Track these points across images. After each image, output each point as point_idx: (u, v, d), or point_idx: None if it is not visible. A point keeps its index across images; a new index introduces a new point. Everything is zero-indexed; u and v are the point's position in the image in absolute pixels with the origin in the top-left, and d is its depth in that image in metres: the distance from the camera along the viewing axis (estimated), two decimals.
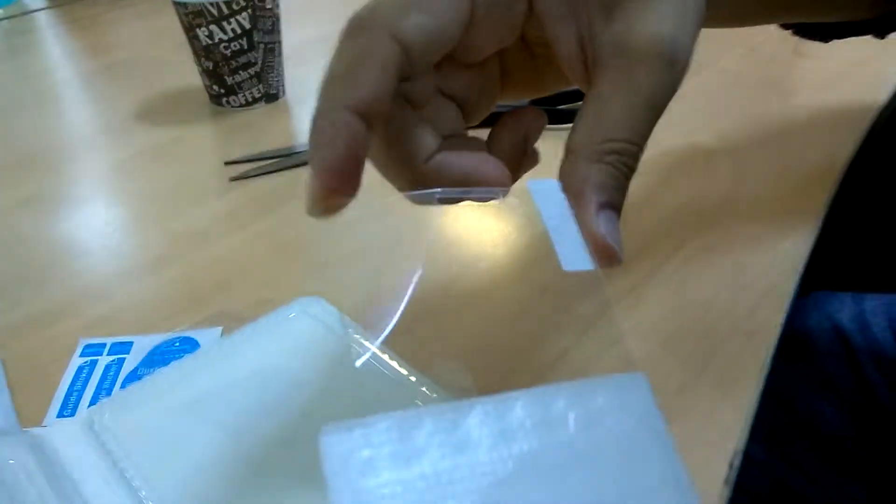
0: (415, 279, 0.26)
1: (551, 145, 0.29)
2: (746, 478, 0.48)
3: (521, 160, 0.29)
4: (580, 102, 0.26)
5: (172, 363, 0.35)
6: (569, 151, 0.25)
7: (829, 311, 0.54)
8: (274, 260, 0.44)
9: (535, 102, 0.38)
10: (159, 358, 0.36)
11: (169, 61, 0.75)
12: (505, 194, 0.27)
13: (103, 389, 0.35)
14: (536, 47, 0.29)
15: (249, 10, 0.59)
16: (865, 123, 0.54)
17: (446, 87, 0.29)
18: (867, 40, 0.41)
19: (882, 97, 0.57)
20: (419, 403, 0.32)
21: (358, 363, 0.34)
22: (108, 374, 0.35)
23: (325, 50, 0.25)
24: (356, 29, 0.25)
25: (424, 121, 0.28)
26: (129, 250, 0.46)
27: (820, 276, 0.51)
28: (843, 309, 0.54)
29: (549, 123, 0.30)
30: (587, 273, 0.23)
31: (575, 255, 0.23)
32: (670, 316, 0.37)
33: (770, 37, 0.47)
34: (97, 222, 0.50)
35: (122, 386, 0.35)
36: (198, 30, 0.59)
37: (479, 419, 0.22)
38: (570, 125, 0.25)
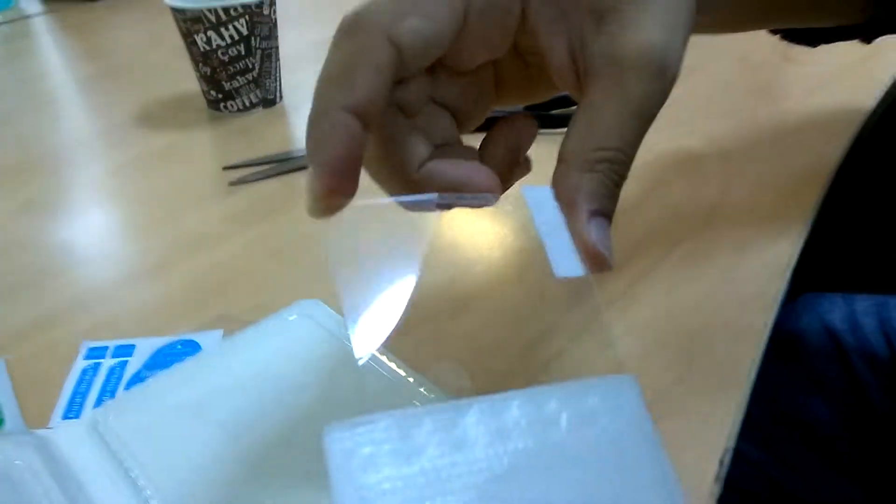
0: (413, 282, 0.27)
1: (545, 149, 0.30)
2: (739, 476, 0.49)
3: (513, 168, 0.29)
4: (574, 107, 0.26)
5: (174, 366, 0.36)
6: (561, 160, 0.25)
7: (821, 312, 0.55)
8: (273, 263, 0.45)
9: (528, 107, 0.39)
10: (162, 360, 0.37)
11: (167, 66, 0.75)
12: (496, 200, 0.27)
13: (107, 392, 0.35)
14: (529, 56, 0.29)
15: (247, 17, 0.59)
16: (854, 127, 0.55)
17: (440, 95, 0.29)
18: (855, 45, 0.41)
19: (870, 101, 0.58)
20: (417, 404, 0.32)
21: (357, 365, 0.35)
22: (111, 377, 0.36)
23: (321, 55, 0.26)
24: (351, 28, 0.25)
25: (417, 129, 0.28)
26: (129, 255, 0.47)
27: (811, 277, 0.52)
28: (834, 310, 0.54)
29: (543, 128, 0.31)
30: (579, 278, 0.24)
31: (567, 262, 0.24)
32: (662, 317, 0.38)
33: (760, 42, 0.47)
34: (98, 227, 0.51)
35: (126, 388, 0.35)
36: (196, 36, 0.60)
37: (476, 418, 0.23)
38: (564, 129, 0.26)
